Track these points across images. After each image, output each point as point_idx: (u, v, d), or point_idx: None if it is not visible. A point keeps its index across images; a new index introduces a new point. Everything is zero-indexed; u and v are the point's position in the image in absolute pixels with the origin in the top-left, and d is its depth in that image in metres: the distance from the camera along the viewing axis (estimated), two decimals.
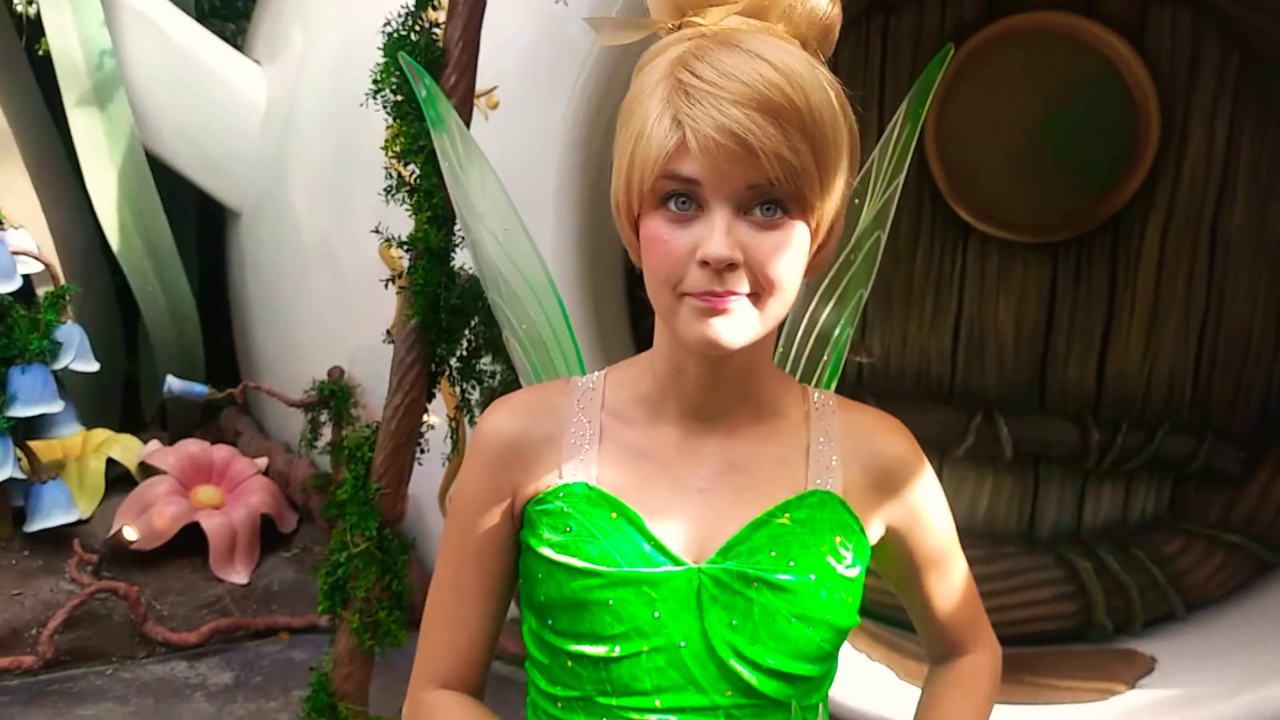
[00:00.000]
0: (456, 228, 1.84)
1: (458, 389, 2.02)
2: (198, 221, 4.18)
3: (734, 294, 0.83)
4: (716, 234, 0.81)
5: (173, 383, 3.28)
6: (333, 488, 2.13)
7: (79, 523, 3.26)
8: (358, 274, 3.04)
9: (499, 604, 1.01)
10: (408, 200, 1.86)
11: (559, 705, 0.95)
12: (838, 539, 0.94)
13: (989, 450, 3.01)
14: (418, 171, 1.84)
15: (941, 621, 1.08)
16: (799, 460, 0.96)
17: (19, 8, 3.56)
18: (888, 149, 1.23)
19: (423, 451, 1.99)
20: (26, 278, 3.34)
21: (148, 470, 3.47)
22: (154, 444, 3.57)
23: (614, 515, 0.92)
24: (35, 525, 3.15)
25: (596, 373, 1.01)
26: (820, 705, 0.99)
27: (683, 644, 0.91)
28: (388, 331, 2.00)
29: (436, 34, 1.82)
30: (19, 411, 3.10)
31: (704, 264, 0.82)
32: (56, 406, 3.20)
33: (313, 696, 1.98)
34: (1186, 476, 3.00)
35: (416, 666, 1.03)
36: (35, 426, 3.28)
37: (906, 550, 1.03)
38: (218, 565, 3.22)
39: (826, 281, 1.20)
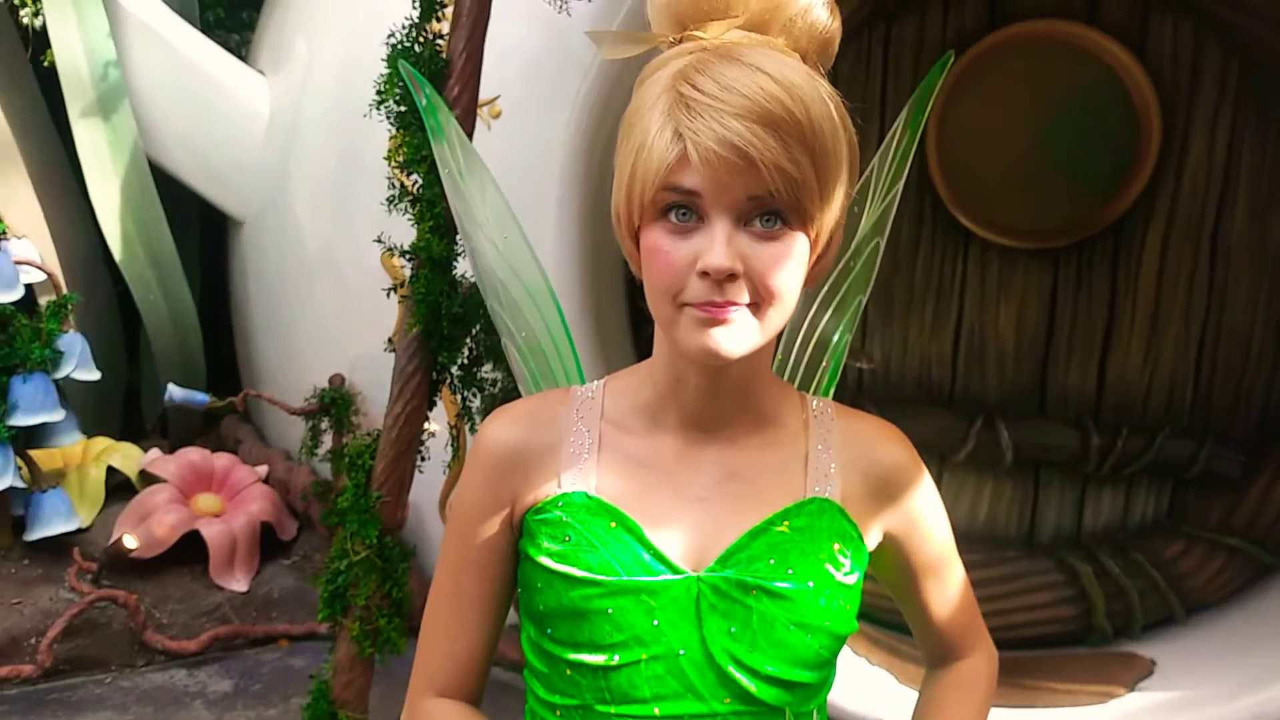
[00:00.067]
0: (458, 237, 1.85)
1: (459, 397, 2.02)
2: (200, 231, 4.19)
3: (734, 304, 0.83)
4: (717, 245, 0.82)
5: (174, 391, 3.28)
6: (333, 495, 2.13)
7: (79, 531, 3.26)
8: (360, 283, 3.05)
9: (498, 612, 1.01)
10: (410, 210, 1.87)
11: (558, 713, 0.95)
12: (836, 546, 0.94)
13: (989, 455, 3.02)
14: (420, 181, 1.84)
15: (939, 627, 1.08)
16: (798, 468, 0.97)
17: (25, 19, 3.58)
18: (887, 156, 1.24)
19: (424, 459, 2.00)
20: (29, 287, 3.35)
21: (148, 478, 3.47)
22: (154, 452, 3.57)
23: (613, 524, 0.92)
24: (35, 534, 3.15)
25: (596, 382, 1.02)
26: (818, 711, 0.99)
27: (681, 652, 0.91)
28: (389, 340, 2.00)
29: (440, 45, 1.83)
30: (20, 420, 3.10)
31: (704, 275, 0.83)
32: (57, 415, 3.20)
33: (312, 704, 1.98)
34: (1187, 481, 3.01)
35: (415, 674, 1.03)
36: (36, 435, 3.29)
37: (904, 557, 1.04)
38: (217, 573, 3.22)
39: (826, 289, 1.21)
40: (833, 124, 0.84)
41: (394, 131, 1.85)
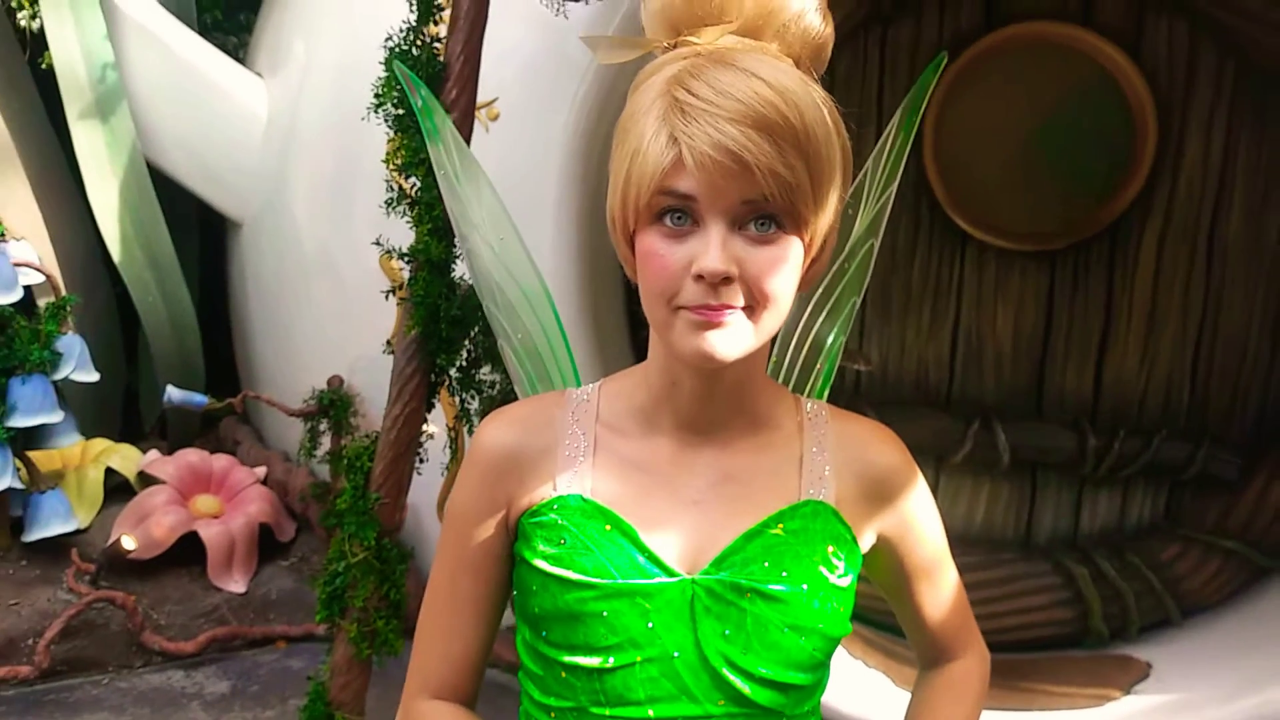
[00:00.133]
0: (456, 239, 1.85)
1: (457, 399, 2.03)
2: (199, 232, 4.19)
3: (729, 307, 0.84)
4: (712, 249, 0.83)
5: (172, 392, 3.29)
6: (331, 497, 2.13)
7: (77, 532, 3.26)
8: (358, 285, 3.05)
9: (493, 614, 1.02)
10: (409, 213, 1.87)
11: (553, 715, 0.96)
12: (830, 549, 0.95)
13: (986, 457, 3.02)
14: (419, 184, 1.85)
15: (932, 629, 1.09)
16: (792, 471, 0.97)
17: (23, 22, 3.58)
18: (881, 158, 1.24)
19: (422, 461, 2.00)
20: (28, 289, 3.35)
21: (146, 480, 3.47)
22: (153, 453, 3.57)
23: (608, 527, 0.93)
24: (33, 535, 3.15)
25: (591, 384, 1.02)
26: (812, 713, 1.00)
27: (676, 654, 0.91)
28: (388, 342, 2.01)
29: (438, 48, 1.83)
30: (19, 422, 3.11)
31: (699, 278, 0.83)
32: (56, 417, 3.21)
33: (310, 705, 1.98)
34: (1183, 483, 3.01)
35: (410, 675, 1.03)
36: (35, 436, 3.29)
37: (898, 559, 1.04)
38: (215, 574, 3.22)
39: (820, 291, 1.21)
40: (826, 129, 0.85)
41: (392, 134, 1.85)
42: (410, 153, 1.81)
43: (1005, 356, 3.08)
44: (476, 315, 1.89)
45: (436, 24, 1.85)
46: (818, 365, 1.21)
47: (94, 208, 3.66)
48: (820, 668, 0.96)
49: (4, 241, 3.32)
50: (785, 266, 0.86)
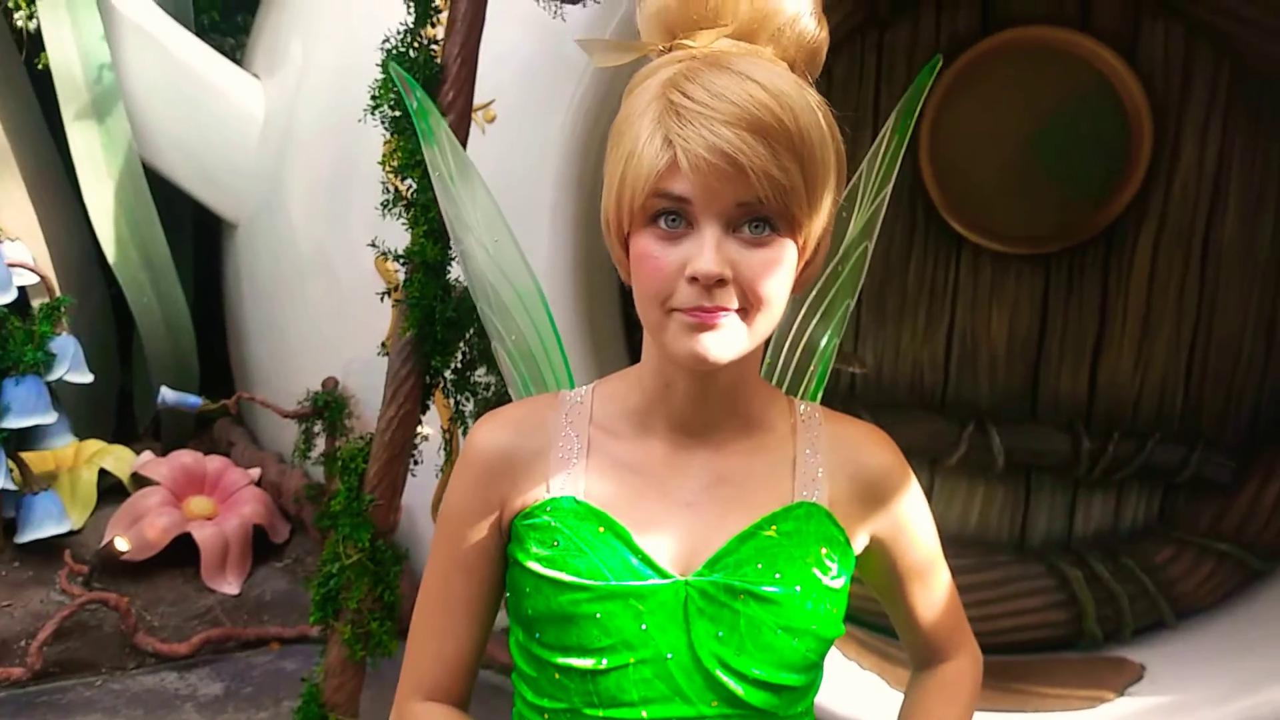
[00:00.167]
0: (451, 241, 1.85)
1: (452, 401, 2.03)
2: (194, 234, 4.19)
3: (723, 309, 0.84)
4: (706, 251, 0.83)
5: (167, 394, 3.28)
6: (326, 498, 2.13)
7: (70, 533, 3.25)
8: (353, 286, 3.05)
9: (486, 615, 1.02)
10: (404, 214, 1.87)
11: (546, 716, 0.96)
12: (823, 550, 0.95)
13: (981, 460, 3.03)
14: (414, 186, 1.85)
15: (925, 630, 1.09)
16: (786, 472, 0.97)
17: (19, 22, 3.57)
18: (876, 160, 1.24)
19: (417, 463, 2.00)
20: (22, 289, 3.35)
21: (140, 481, 3.46)
22: (147, 455, 3.57)
23: (601, 529, 0.93)
24: (26, 536, 3.15)
25: (584, 386, 1.02)
26: (806, 713, 1.00)
27: (669, 656, 0.91)
28: (383, 344, 2.00)
29: (435, 50, 1.83)
30: (12, 423, 3.10)
31: (693, 280, 0.83)
32: (50, 418, 3.20)
33: (303, 707, 1.98)
34: (1177, 486, 3.02)
35: (403, 676, 1.03)
36: (28, 437, 3.28)
37: (891, 560, 1.04)
38: (209, 576, 3.22)
39: (814, 293, 1.21)
40: (820, 132, 0.85)
41: (388, 136, 1.85)
42: (406, 155, 1.81)
43: (1000, 359, 3.09)
44: (472, 317, 1.89)
45: (434, 26, 1.85)
46: (811, 367, 1.22)
47: (89, 209, 3.65)
48: (813, 669, 0.96)
49: None
50: (779, 269, 0.86)
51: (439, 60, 1.82)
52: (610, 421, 0.98)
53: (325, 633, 1.99)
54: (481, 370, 2.01)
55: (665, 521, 0.94)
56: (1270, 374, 2.97)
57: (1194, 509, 2.99)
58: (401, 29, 1.82)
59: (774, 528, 0.94)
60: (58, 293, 3.38)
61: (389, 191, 1.88)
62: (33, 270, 3.38)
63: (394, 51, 1.80)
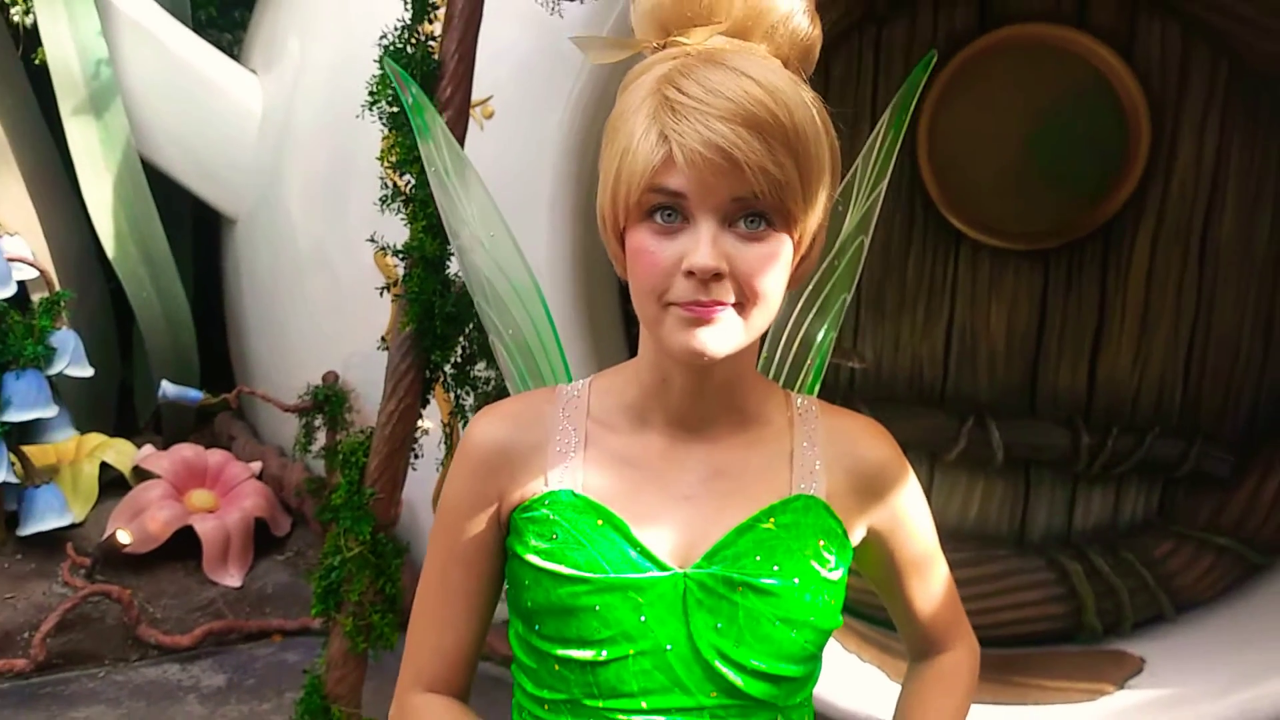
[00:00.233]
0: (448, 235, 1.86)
1: (452, 395, 2.03)
2: (193, 228, 4.19)
3: (719, 304, 0.85)
4: (702, 245, 0.83)
5: (167, 388, 3.29)
6: (327, 492, 2.14)
7: (72, 526, 3.26)
8: (353, 281, 3.06)
9: (485, 607, 1.02)
10: (403, 210, 1.88)
11: (546, 708, 0.96)
12: (821, 543, 0.95)
13: (980, 454, 3.03)
14: (413, 181, 1.85)
15: (922, 622, 1.10)
16: (783, 465, 0.98)
17: (16, 17, 3.57)
18: (871, 155, 1.25)
19: (417, 457, 2.01)
20: (22, 284, 3.35)
21: (142, 474, 3.47)
22: (148, 448, 3.57)
23: (600, 522, 0.94)
24: (28, 529, 3.16)
25: (581, 380, 1.03)
26: (805, 703, 1.01)
27: (669, 647, 0.92)
28: (383, 338, 2.01)
29: (432, 46, 1.83)
30: (13, 416, 3.11)
31: (690, 274, 0.84)
32: (50, 411, 3.20)
33: (306, 699, 1.99)
34: (1176, 480, 3.03)
35: (403, 669, 1.04)
36: (29, 431, 3.29)
37: (888, 553, 1.05)
38: (211, 568, 3.23)
39: (810, 288, 1.22)
40: (815, 128, 0.86)
41: (386, 132, 1.86)
42: (405, 150, 1.81)
43: (999, 355, 3.09)
44: (471, 312, 1.90)
45: (431, 22, 1.85)
46: (808, 361, 1.22)
47: (88, 203, 3.65)
48: (812, 660, 0.97)
49: None
50: (775, 263, 0.86)
51: (436, 56, 1.82)
52: (607, 415, 0.99)
53: (327, 625, 2.00)
54: (481, 365, 2.02)
55: (663, 514, 0.95)
56: (1268, 369, 2.98)
57: (1193, 503, 2.99)
58: (399, 25, 1.82)
59: (772, 520, 0.95)
60: (57, 287, 3.38)
61: (388, 187, 1.89)
62: (32, 265, 3.38)
63: (391, 47, 1.81)
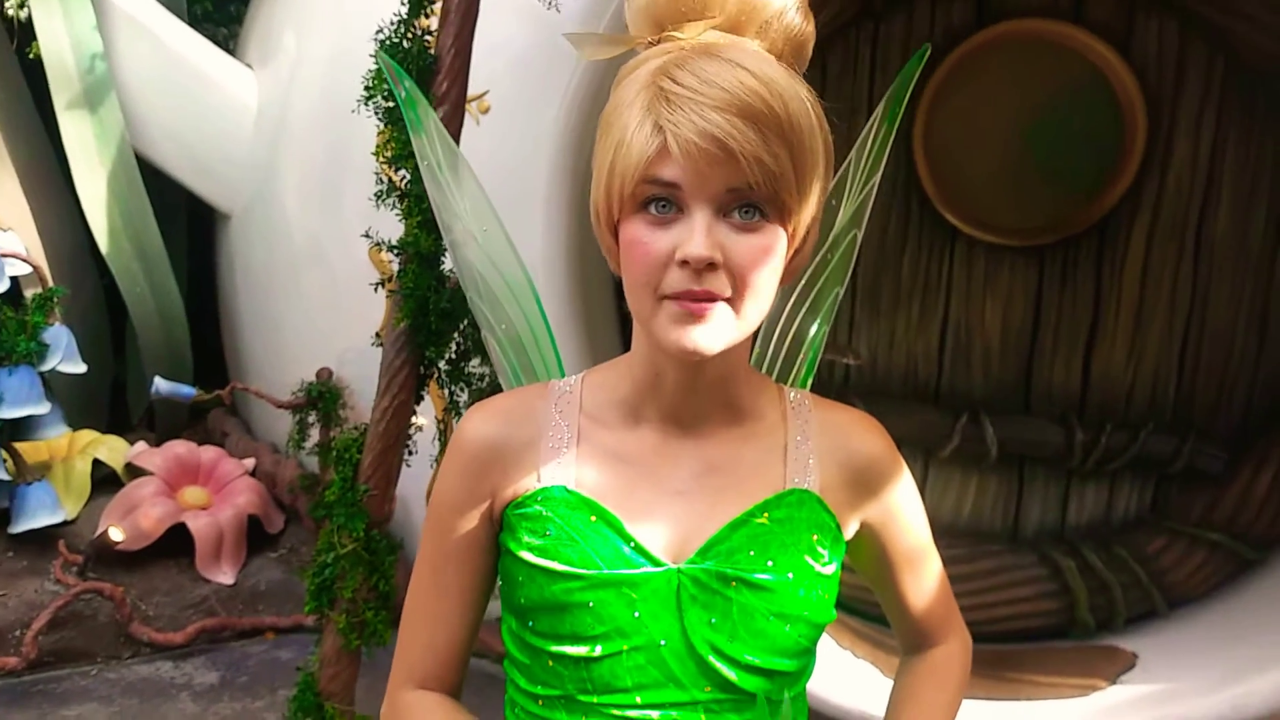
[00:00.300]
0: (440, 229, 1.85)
1: (446, 391, 2.03)
2: (187, 224, 4.18)
3: (712, 295, 0.84)
4: (697, 234, 0.83)
5: (160, 384, 3.28)
6: (320, 489, 2.13)
7: (64, 524, 3.25)
8: (347, 277, 3.05)
9: (477, 604, 1.02)
10: (398, 205, 1.87)
11: (540, 703, 0.96)
12: (815, 537, 0.95)
13: (974, 451, 3.04)
14: (409, 177, 1.85)
15: (915, 616, 1.10)
16: (777, 460, 0.98)
17: (10, 11, 3.55)
18: (865, 148, 1.25)
19: (411, 453, 2.00)
20: (14, 280, 3.34)
21: (134, 471, 3.46)
22: (141, 445, 3.57)
23: (593, 518, 0.93)
24: (20, 526, 3.15)
25: (573, 376, 1.03)
26: (799, 697, 1.01)
27: (663, 643, 0.92)
28: (377, 334, 2.00)
29: (429, 40, 1.83)
30: (5, 413, 3.09)
31: (684, 264, 0.84)
32: (43, 408, 3.19)
33: (299, 696, 1.98)
34: (1169, 476, 3.03)
35: (395, 666, 1.04)
36: (21, 428, 3.28)
37: (881, 546, 1.05)
38: (204, 566, 3.22)
39: (803, 282, 1.22)
40: (809, 121, 0.86)
41: (382, 127, 1.85)
42: (400, 145, 1.81)
43: (994, 351, 3.10)
44: (465, 308, 1.89)
45: (427, 16, 1.84)
46: (801, 356, 1.22)
47: (82, 199, 3.64)
48: (806, 654, 0.97)
49: None
50: (769, 255, 0.86)
51: (433, 51, 1.82)
52: (600, 411, 0.98)
53: (320, 622, 2.00)
54: (476, 361, 2.02)
55: (657, 510, 0.95)
56: (1262, 365, 2.98)
57: (1186, 499, 3.00)
58: (395, 19, 1.81)
59: (766, 515, 0.94)
60: (50, 283, 3.37)
61: (383, 182, 1.88)
62: (25, 260, 3.37)
63: (387, 42, 1.80)
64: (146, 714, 2.74)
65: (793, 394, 1.03)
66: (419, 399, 1.96)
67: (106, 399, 4.06)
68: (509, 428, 0.98)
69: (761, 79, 0.82)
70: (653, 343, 0.90)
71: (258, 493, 3.44)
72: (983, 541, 3.08)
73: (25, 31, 3.56)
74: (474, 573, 1.00)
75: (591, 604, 0.91)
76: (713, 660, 0.92)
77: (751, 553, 0.93)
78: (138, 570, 3.17)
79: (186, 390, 3.33)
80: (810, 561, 0.94)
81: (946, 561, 1.12)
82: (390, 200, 1.88)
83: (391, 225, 1.91)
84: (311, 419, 3.19)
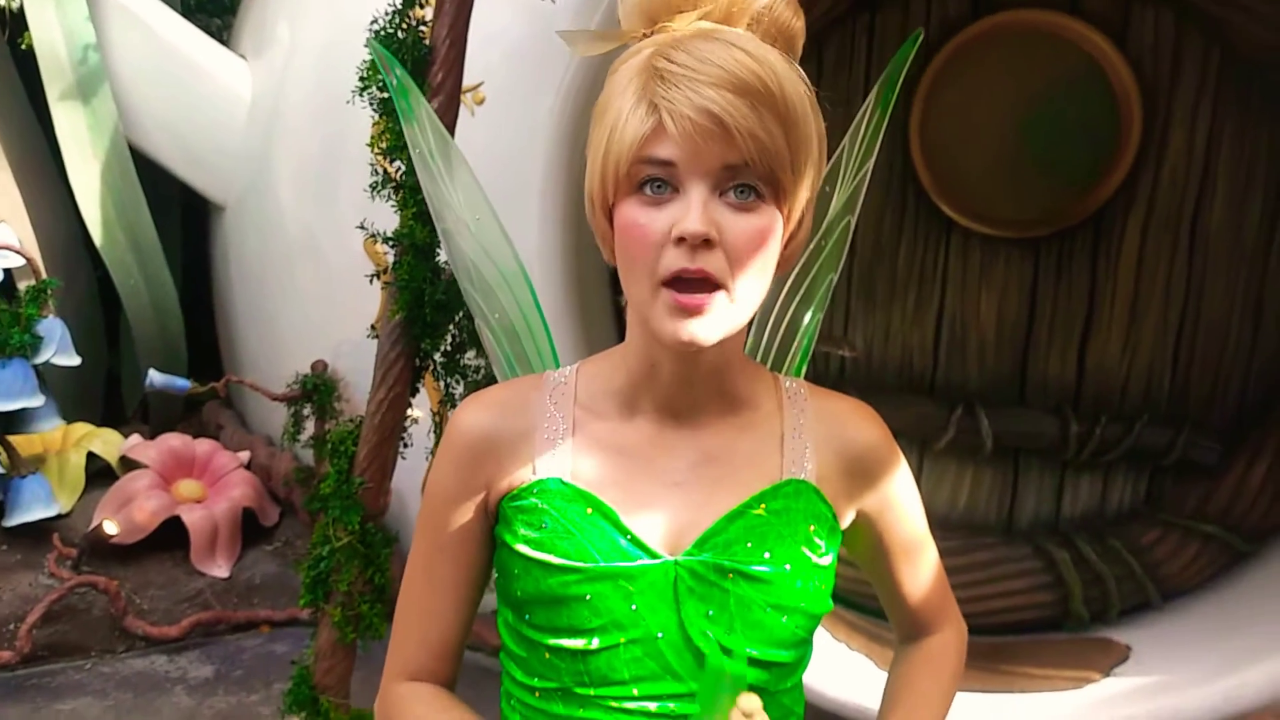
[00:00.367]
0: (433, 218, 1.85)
1: (442, 384, 2.02)
2: (181, 215, 4.17)
3: (707, 274, 0.84)
4: (693, 210, 0.83)
5: (154, 377, 3.27)
6: (316, 481, 2.13)
7: (58, 517, 3.25)
8: (342, 269, 3.04)
9: (471, 597, 1.02)
10: (393, 196, 1.87)
11: (537, 695, 0.96)
12: (811, 528, 0.95)
13: (970, 443, 3.04)
14: (403, 168, 1.84)
15: (911, 604, 1.10)
16: (773, 450, 0.98)
17: (2, 2, 3.53)
18: (858, 134, 1.24)
19: (406, 446, 2.00)
20: (8, 272, 3.33)
21: (129, 464, 3.46)
22: (135, 438, 3.56)
23: (589, 510, 0.93)
24: (14, 520, 3.14)
25: (568, 367, 1.02)
26: (795, 687, 1.01)
27: (660, 635, 0.92)
28: (372, 326, 2.00)
29: (423, 31, 1.82)
30: None
31: (680, 241, 0.84)
32: (37, 401, 3.19)
33: (294, 689, 1.98)
34: (1164, 468, 3.04)
35: (389, 659, 1.03)
36: (15, 421, 3.27)
37: (877, 535, 1.05)
38: (199, 559, 3.22)
39: (798, 269, 1.21)
40: (804, 103, 0.86)
41: (377, 118, 1.84)
42: (395, 136, 1.80)
43: (989, 343, 3.10)
44: (461, 300, 1.88)
45: (422, 7, 1.83)
46: (795, 344, 1.22)
47: (75, 190, 3.63)
48: (803, 644, 0.97)
49: None
50: (765, 236, 0.86)
51: (427, 42, 1.81)
52: (595, 402, 0.98)
53: (315, 615, 1.99)
54: (471, 353, 2.01)
55: (653, 502, 0.94)
56: (1256, 358, 2.99)
57: (1180, 491, 3.01)
58: (389, 10, 1.80)
59: (763, 506, 0.94)
60: (44, 275, 3.36)
61: (378, 173, 1.88)
62: (18, 253, 3.36)
63: (382, 32, 1.79)
64: (141, 708, 2.74)
65: (788, 383, 1.03)
66: (414, 391, 1.95)
67: (101, 392, 4.05)
68: (503, 419, 0.98)
69: (757, 58, 0.83)
70: (648, 333, 0.90)
71: (252, 486, 3.44)
72: (977, 533, 3.08)
73: (17, 22, 3.54)
74: (468, 566, 1.00)
75: (588, 597, 0.91)
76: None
77: (749, 544, 0.93)
78: (132, 563, 3.17)
79: (181, 383, 3.32)
80: (807, 553, 0.94)
81: (941, 554, 1.12)
82: (385, 192, 1.88)
83: (386, 217, 1.90)
84: (306, 412, 3.19)
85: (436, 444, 2.31)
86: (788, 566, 0.93)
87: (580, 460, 0.95)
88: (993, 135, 2.92)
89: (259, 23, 3.68)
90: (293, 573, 3.21)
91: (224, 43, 3.83)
